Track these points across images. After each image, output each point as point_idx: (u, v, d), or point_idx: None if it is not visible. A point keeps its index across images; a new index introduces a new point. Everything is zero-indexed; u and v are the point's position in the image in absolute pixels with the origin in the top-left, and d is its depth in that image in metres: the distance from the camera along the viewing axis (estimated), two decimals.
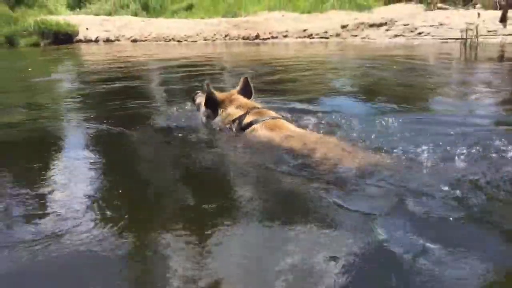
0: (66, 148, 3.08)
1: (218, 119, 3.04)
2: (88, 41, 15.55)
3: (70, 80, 6.79)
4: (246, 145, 2.74)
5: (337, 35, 12.75)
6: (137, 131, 3.29)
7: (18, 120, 3.89)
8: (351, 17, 13.84)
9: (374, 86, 5.16)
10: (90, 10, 23.00)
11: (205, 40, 14.34)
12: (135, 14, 21.21)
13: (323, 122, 3.11)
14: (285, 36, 13.53)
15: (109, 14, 21.49)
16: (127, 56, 10.53)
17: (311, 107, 3.86)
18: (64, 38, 15.39)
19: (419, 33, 11.55)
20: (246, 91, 3.15)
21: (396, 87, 5.17)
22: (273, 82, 5.55)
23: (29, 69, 8.32)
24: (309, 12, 15.83)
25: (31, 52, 13.22)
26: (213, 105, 3.05)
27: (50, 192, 2.25)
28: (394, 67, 6.72)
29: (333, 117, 3.28)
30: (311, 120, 3.15)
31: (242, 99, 3.05)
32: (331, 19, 13.97)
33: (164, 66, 8.23)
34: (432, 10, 14.22)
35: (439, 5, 14.69)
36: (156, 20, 17.58)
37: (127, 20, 17.63)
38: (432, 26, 11.76)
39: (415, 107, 4.01)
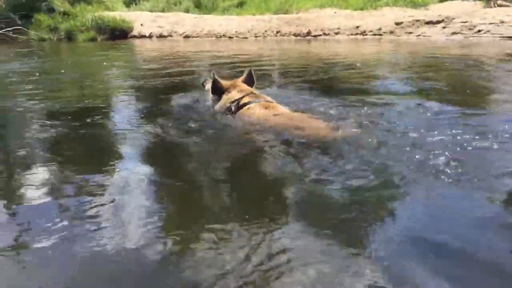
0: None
1: (221, 102, 3.40)
2: (142, 36, 15.97)
3: (134, 73, 7.04)
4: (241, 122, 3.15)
5: (391, 32, 12.47)
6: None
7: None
8: (406, 14, 13.50)
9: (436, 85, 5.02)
10: (144, 7, 23.64)
11: (256, 36, 14.39)
12: (187, 11, 21.62)
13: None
14: (337, 33, 13.36)
15: (162, 10, 22.03)
16: (180, 51, 10.77)
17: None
18: (119, 33, 15.89)
19: (478, 31, 11.11)
20: (249, 80, 3.56)
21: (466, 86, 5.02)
22: (324, 80, 5.53)
23: (104, 63, 8.59)
24: (361, 9, 15.58)
25: (91, 47, 13.69)
26: (218, 91, 3.45)
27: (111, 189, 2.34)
28: (455, 66, 6.52)
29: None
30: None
31: (243, 85, 3.46)
32: (385, 16, 13.68)
33: (218, 62, 8.35)
34: (491, 7, 13.66)
35: (499, 2, 14.10)
36: (208, 16, 17.82)
37: (180, 16, 17.97)
38: (492, 23, 11.28)
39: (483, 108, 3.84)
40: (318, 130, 2.75)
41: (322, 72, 6.25)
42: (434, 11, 13.98)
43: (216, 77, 3.43)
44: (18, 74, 6.85)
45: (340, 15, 14.88)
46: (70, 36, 16.13)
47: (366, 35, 12.78)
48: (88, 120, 3.61)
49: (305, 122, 2.87)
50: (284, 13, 17.13)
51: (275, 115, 3.01)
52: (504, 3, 13.91)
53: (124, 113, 3.95)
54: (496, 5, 13.78)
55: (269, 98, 3.30)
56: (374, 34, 12.67)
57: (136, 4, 24.53)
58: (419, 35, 11.88)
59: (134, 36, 16.07)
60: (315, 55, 9.26)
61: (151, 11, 21.70)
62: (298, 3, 18.57)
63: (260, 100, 3.21)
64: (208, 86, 3.59)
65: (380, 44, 11.18)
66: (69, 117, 3.71)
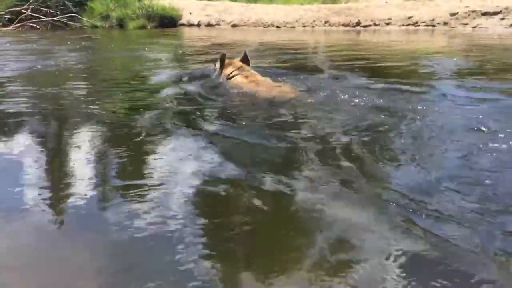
0: None
1: (221, 74, 4.54)
2: (191, 25, 16.13)
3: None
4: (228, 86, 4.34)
5: (445, 23, 12.09)
6: None
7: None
8: (461, 4, 13.02)
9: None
10: None
11: (304, 26, 14.28)
12: (234, 1, 21.64)
13: None
14: (388, 24, 13.07)
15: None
16: (227, 40, 10.83)
17: None
18: (168, 21, 16.11)
19: None
20: (245, 59, 4.61)
21: None
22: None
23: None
24: None
25: (143, 34, 13.97)
26: (222, 66, 4.57)
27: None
28: None
29: None
30: None
31: (237, 63, 4.53)
32: (439, 6, 13.25)
33: (267, 54, 8.34)
34: None
35: None
36: (255, 5, 17.79)
37: (228, 5, 18.03)
38: None
39: None
40: (272, 90, 4.00)
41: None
42: (491, 2, 13.42)
43: (224, 57, 4.60)
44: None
45: (392, 5, 14.53)
46: (121, 24, 16.49)
47: (419, 26, 12.44)
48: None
49: (267, 86, 4.10)
50: (333, 3, 16.87)
51: (250, 81, 4.15)
52: None
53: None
54: None
55: (252, 71, 4.40)
56: (427, 25, 12.32)
57: None
58: (475, 27, 11.47)
59: (183, 24, 16.26)
60: (364, 47, 9.12)
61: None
62: None
63: (243, 72, 4.32)
64: (217, 63, 4.70)
65: (432, 35, 10.88)
66: None
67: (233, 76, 4.36)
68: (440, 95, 4.00)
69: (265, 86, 4.05)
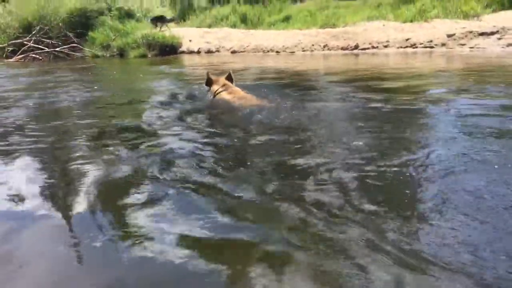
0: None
1: (210, 91, 5.23)
2: (191, 52, 16.32)
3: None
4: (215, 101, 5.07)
5: (443, 44, 12.17)
6: None
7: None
8: (458, 25, 13.14)
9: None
10: (192, 23, 24.20)
11: (303, 51, 14.42)
12: (234, 26, 21.95)
13: None
14: (386, 46, 13.19)
15: (210, 26, 22.47)
16: (226, 65, 10.92)
17: None
18: (169, 49, 16.32)
19: None
20: (229, 78, 5.25)
21: None
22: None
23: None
24: (411, 21, 15.31)
25: (142, 62, 14.14)
26: (209, 84, 5.25)
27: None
28: None
29: None
30: None
31: (223, 81, 5.17)
32: (436, 28, 13.38)
33: (266, 77, 8.41)
34: None
35: None
36: (254, 31, 18.04)
37: (227, 32, 18.28)
38: None
39: None
40: (252, 101, 4.69)
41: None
42: (487, 22, 13.56)
43: (210, 76, 5.27)
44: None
45: (389, 28, 14.69)
46: (122, 53, 16.71)
47: (417, 47, 12.54)
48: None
49: (247, 99, 4.75)
50: (331, 27, 17.08)
51: (233, 96, 4.83)
52: None
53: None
54: None
55: (235, 88, 5.05)
56: (425, 47, 12.41)
57: (184, 21, 25.17)
58: (472, 47, 11.54)
59: (183, 52, 16.45)
60: (362, 68, 9.17)
61: (199, 26, 22.17)
62: (344, 17, 18.48)
63: (227, 89, 5.00)
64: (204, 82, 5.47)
65: (431, 57, 10.95)
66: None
67: (219, 93, 5.04)
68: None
69: (239, 98, 4.79)
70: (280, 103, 4.80)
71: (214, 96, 5.05)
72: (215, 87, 5.10)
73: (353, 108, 4.80)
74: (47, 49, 16.74)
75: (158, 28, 18.49)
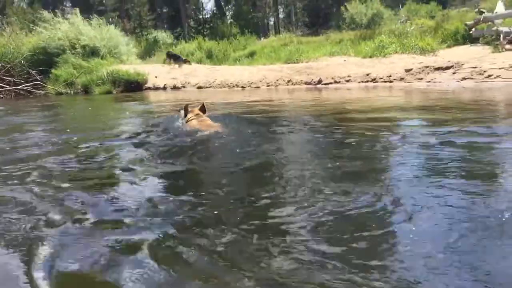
0: None
1: (184, 119, 5.79)
2: (157, 88, 16.38)
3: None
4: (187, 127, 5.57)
5: (401, 79, 12.67)
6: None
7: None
8: (415, 60, 13.77)
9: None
10: (158, 59, 24.36)
11: (268, 86, 14.69)
12: (200, 62, 22.25)
13: None
14: (348, 81, 13.60)
15: None
16: (192, 101, 10.98)
17: None
18: (134, 86, 16.30)
19: (489, 76, 11.25)
20: (202, 108, 5.87)
21: None
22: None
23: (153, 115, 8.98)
24: (370, 56, 15.93)
25: (108, 99, 14.04)
26: (186, 113, 5.82)
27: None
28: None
29: None
30: None
31: (196, 111, 5.79)
32: (395, 63, 13.95)
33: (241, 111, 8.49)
34: (500, 52, 13.90)
35: (507, 46, 14.34)
36: (220, 67, 18.33)
37: (193, 67, 18.49)
38: (502, 68, 11.44)
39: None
40: (214, 128, 5.28)
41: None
42: (443, 57, 14.25)
43: (186, 107, 5.85)
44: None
45: (350, 63, 15.21)
46: (86, 90, 16.58)
47: (377, 82, 12.98)
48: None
49: (211, 126, 5.35)
50: (294, 63, 17.53)
51: (199, 123, 5.47)
52: None
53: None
54: (504, 49, 14.02)
55: (204, 117, 5.69)
56: (385, 81, 12.88)
57: (150, 57, 25.31)
58: (429, 81, 12.05)
59: (149, 88, 16.48)
60: (324, 104, 9.40)
61: (164, 62, 22.34)
62: (307, 52, 19.05)
63: (198, 118, 5.63)
64: (182, 111, 5.98)
65: (391, 91, 11.34)
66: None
67: (190, 120, 5.72)
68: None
69: (206, 126, 5.39)
70: (241, 131, 5.48)
71: (186, 122, 5.77)
72: (189, 115, 5.80)
73: (315, 138, 4.97)
74: (8, 87, 16.44)
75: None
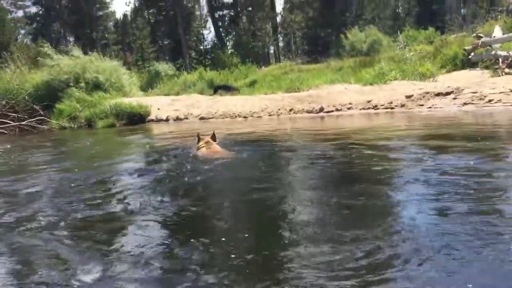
0: None
1: (197, 146, 6.48)
2: (160, 120, 16.47)
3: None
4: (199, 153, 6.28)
5: (402, 105, 12.75)
6: None
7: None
8: (415, 87, 13.87)
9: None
10: (160, 91, 24.64)
11: (270, 115, 14.78)
12: (202, 92, 22.46)
13: None
14: (349, 108, 13.69)
15: (178, 93, 22.92)
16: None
17: None
18: (137, 118, 16.41)
19: (489, 100, 11.32)
20: (213, 137, 6.57)
21: None
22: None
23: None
24: (371, 84, 16.07)
25: (111, 132, 14.14)
26: (198, 141, 6.53)
27: None
28: None
29: None
30: None
31: (206, 139, 6.49)
32: (395, 90, 14.06)
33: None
34: (499, 76, 14.01)
35: (507, 70, 14.47)
36: (222, 98, 18.45)
37: (195, 98, 18.66)
38: (502, 92, 11.53)
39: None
40: (221, 154, 6.02)
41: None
42: (443, 82, 14.36)
43: (199, 135, 6.67)
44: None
45: (351, 91, 15.33)
46: (90, 123, 16.72)
47: (378, 109, 13.07)
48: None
49: (218, 153, 6.06)
50: (295, 91, 17.68)
51: (207, 149, 6.18)
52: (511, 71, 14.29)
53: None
54: (503, 74, 14.13)
55: (213, 145, 6.34)
56: (386, 108, 12.95)
57: (152, 89, 25.58)
58: (430, 107, 12.12)
59: (152, 120, 16.58)
60: (326, 131, 9.46)
61: (167, 94, 22.58)
62: (308, 81, 19.25)
63: (208, 145, 6.30)
64: (196, 139, 6.75)
65: (392, 117, 11.42)
66: None
67: (200, 148, 6.36)
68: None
69: (213, 152, 6.07)
70: (246, 158, 6.09)
71: (197, 149, 6.41)
72: (200, 143, 6.48)
73: (318, 167, 5.02)
74: (12, 123, 16.61)
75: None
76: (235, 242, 2.86)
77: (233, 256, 2.59)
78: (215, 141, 6.59)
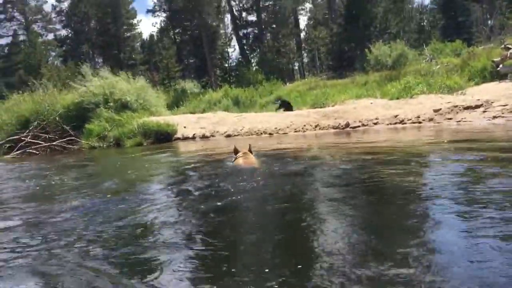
0: None
1: (233, 157, 7.11)
2: (186, 138, 16.68)
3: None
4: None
5: (430, 119, 12.58)
6: None
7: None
8: (443, 100, 13.70)
9: None
10: (186, 109, 24.98)
11: (295, 131, 14.81)
12: (227, 109, 22.67)
13: None
14: (376, 123, 13.59)
15: (204, 111, 23.20)
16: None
17: None
18: (164, 137, 16.67)
19: None
20: (250, 149, 7.13)
21: None
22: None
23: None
24: (397, 98, 15.95)
25: (140, 150, 14.32)
26: (236, 153, 7.11)
27: None
28: None
29: None
30: None
31: (243, 150, 7.04)
32: (422, 104, 13.91)
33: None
34: None
35: None
36: (247, 114, 18.60)
37: (221, 116, 18.83)
38: None
39: None
40: (253, 164, 6.59)
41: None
42: (472, 95, 14.12)
43: (236, 148, 7.30)
44: None
45: (377, 105, 15.24)
46: (118, 142, 17.05)
47: (405, 123, 12.93)
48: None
49: (251, 162, 6.61)
50: (321, 107, 17.69)
51: (244, 160, 6.69)
52: None
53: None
54: None
55: (249, 156, 6.87)
56: (413, 122, 12.80)
57: (178, 107, 25.94)
58: (459, 121, 11.91)
59: (178, 139, 16.80)
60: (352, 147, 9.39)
61: (193, 112, 22.89)
62: (333, 96, 19.26)
63: (244, 156, 6.82)
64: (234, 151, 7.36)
65: (420, 131, 11.26)
66: None
67: (237, 158, 6.92)
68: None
69: (248, 163, 6.57)
70: (278, 171, 6.40)
71: (234, 160, 6.97)
72: (238, 154, 7.03)
73: (352, 183, 4.98)
74: (44, 144, 17.08)
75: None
76: (268, 254, 2.89)
77: (264, 268, 2.61)
78: (251, 153, 7.16)
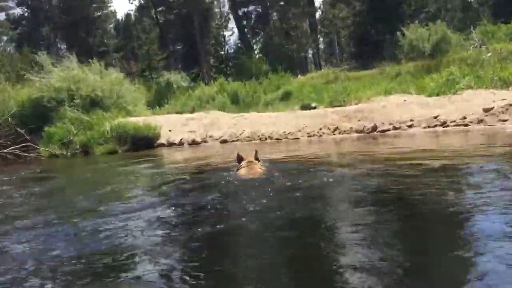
0: None
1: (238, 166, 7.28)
2: (171, 144, 16.69)
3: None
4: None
5: (480, 121, 12.54)
6: None
7: None
8: (495, 97, 13.64)
9: None
10: (172, 107, 24.95)
11: (309, 136, 14.81)
12: (223, 108, 22.61)
13: None
14: (410, 126, 13.58)
15: (193, 110, 23.13)
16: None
17: None
18: (144, 142, 16.62)
19: None
20: (256, 156, 7.28)
21: None
22: None
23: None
24: (437, 94, 15.91)
25: (113, 160, 14.23)
26: (239, 161, 7.27)
27: None
28: None
29: None
30: None
31: (249, 159, 7.15)
32: (469, 102, 13.89)
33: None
34: None
35: None
36: (248, 114, 18.56)
37: (215, 117, 18.82)
38: None
39: None
40: (258, 173, 6.83)
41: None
42: None
43: (240, 154, 7.43)
44: None
45: (412, 103, 15.23)
46: (86, 150, 17.04)
47: (448, 126, 12.91)
48: None
49: (255, 172, 6.81)
50: (341, 105, 17.65)
51: (248, 170, 6.87)
52: None
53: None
54: None
55: (254, 165, 7.02)
56: (458, 125, 12.78)
57: (161, 106, 25.90)
58: None
59: (162, 145, 16.80)
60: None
61: (180, 112, 22.81)
62: (356, 92, 19.19)
63: (248, 165, 6.97)
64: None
65: (467, 136, 11.20)
66: None
67: (240, 168, 7.09)
68: None
69: (253, 173, 6.79)
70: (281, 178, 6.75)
71: (237, 169, 7.16)
72: (242, 163, 7.20)
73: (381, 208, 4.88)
74: None
75: None
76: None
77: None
78: (258, 161, 7.34)
